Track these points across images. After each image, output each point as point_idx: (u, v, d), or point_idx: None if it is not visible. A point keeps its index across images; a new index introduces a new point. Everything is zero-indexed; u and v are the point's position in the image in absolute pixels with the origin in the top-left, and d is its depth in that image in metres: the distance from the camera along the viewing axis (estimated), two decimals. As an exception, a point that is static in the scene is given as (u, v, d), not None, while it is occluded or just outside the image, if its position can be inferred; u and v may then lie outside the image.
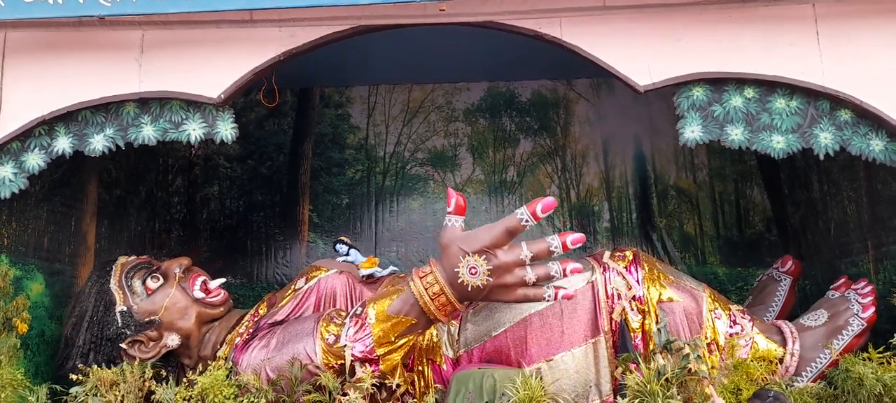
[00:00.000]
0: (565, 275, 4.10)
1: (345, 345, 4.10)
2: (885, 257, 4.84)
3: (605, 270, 4.49)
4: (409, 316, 4.14)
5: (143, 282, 4.78)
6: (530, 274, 4.02)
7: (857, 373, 3.92)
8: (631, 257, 4.54)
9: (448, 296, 4.08)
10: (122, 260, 4.94)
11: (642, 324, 4.30)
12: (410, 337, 4.19)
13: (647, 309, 4.31)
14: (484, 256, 3.98)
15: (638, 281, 4.38)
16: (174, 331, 4.70)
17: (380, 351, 4.07)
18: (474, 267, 3.99)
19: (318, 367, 4.08)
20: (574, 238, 4.01)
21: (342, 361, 4.07)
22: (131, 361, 4.50)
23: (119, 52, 4.41)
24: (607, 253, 4.66)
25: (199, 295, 4.84)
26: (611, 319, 4.33)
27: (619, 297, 4.35)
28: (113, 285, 4.73)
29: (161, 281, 4.81)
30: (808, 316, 4.69)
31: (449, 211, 4.16)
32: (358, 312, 4.27)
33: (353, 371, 4.06)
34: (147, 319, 4.66)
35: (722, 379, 4.04)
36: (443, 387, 4.30)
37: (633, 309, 4.31)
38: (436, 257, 4.20)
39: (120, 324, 4.63)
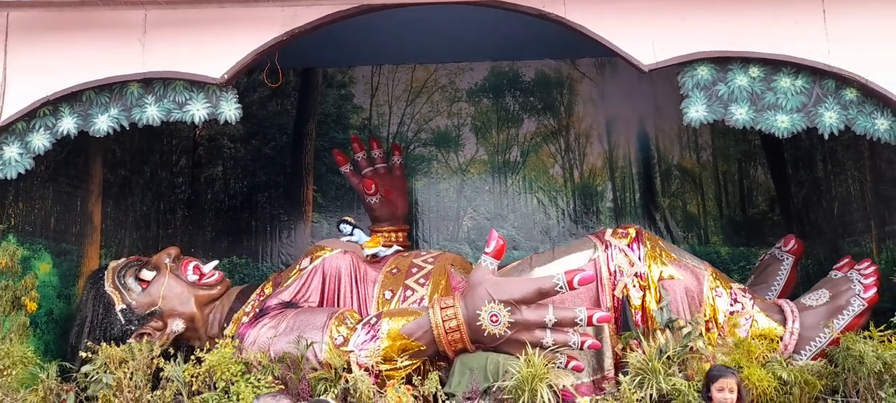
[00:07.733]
0: (582, 348, 4.08)
1: (351, 351, 4.13)
2: (887, 236, 4.84)
3: (607, 247, 4.50)
4: (421, 341, 4.15)
5: (136, 278, 4.92)
6: (549, 338, 4.02)
7: (858, 351, 3.95)
8: (634, 234, 4.56)
9: (463, 334, 4.10)
10: (112, 264, 5.07)
11: (643, 300, 4.33)
12: (414, 362, 4.19)
13: (647, 286, 4.33)
14: (509, 308, 4.00)
15: (640, 258, 4.40)
16: (177, 317, 4.81)
17: (383, 367, 4.10)
18: (496, 316, 4.01)
19: (319, 363, 4.11)
20: (600, 316, 4.05)
21: (344, 363, 4.09)
22: None
23: (122, 31, 4.39)
24: (609, 231, 4.66)
25: (193, 278, 4.97)
26: (613, 296, 4.35)
27: (621, 274, 4.37)
28: (108, 288, 4.85)
29: (154, 272, 4.93)
30: (810, 295, 4.72)
31: (487, 251, 4.17)
32: (372, 322, 4.29)
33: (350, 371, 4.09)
34: (148, 311, 4.79)
35: (722, 357, 4.06)
36: (445, 365, 4.33)
37: (635, 286, 4.34)
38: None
39: (123, 322, 4.74)
